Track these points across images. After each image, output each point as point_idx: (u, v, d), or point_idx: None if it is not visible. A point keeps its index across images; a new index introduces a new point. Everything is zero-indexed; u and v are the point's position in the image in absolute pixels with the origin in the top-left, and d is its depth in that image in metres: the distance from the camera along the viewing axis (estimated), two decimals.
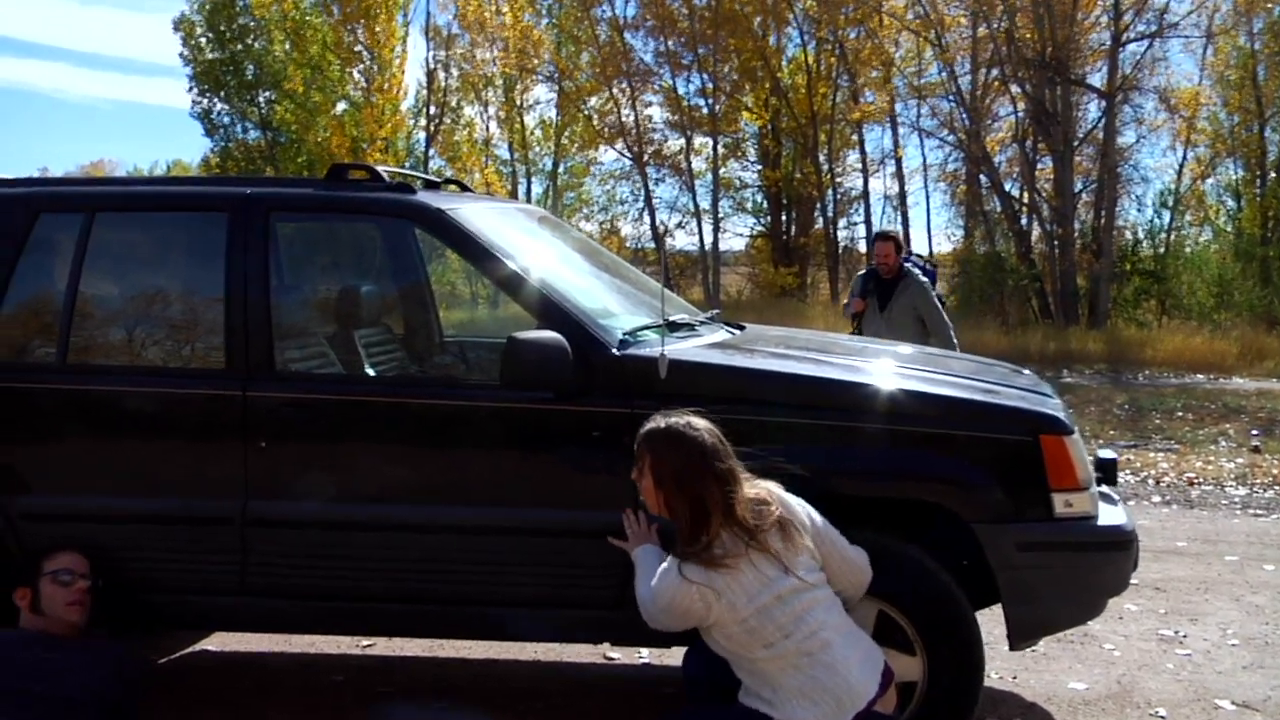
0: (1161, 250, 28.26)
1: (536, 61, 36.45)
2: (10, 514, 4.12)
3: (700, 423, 3.45)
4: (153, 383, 4.21)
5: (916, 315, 8.05)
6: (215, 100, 42.45)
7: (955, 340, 8.02)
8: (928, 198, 44.42)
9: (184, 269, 4.51)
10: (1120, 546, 3.90)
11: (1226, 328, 23.94)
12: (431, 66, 37.20)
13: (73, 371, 4.20)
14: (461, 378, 4.86)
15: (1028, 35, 27.36)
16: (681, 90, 35.20)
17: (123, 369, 4.29)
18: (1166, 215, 30.12)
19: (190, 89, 42.04)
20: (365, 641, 5.37)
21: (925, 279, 8.28)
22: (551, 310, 3.98)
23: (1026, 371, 4.81)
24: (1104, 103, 27.24)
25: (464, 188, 4.97)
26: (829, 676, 3.27)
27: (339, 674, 5.00)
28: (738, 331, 4.68)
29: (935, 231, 39.53)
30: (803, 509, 3.49)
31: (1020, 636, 3.91)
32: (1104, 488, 4.15)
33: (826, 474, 3.76)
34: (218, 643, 5.36)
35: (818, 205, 36.57)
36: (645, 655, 5.21)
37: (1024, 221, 29.45)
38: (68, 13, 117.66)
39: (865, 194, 35.66)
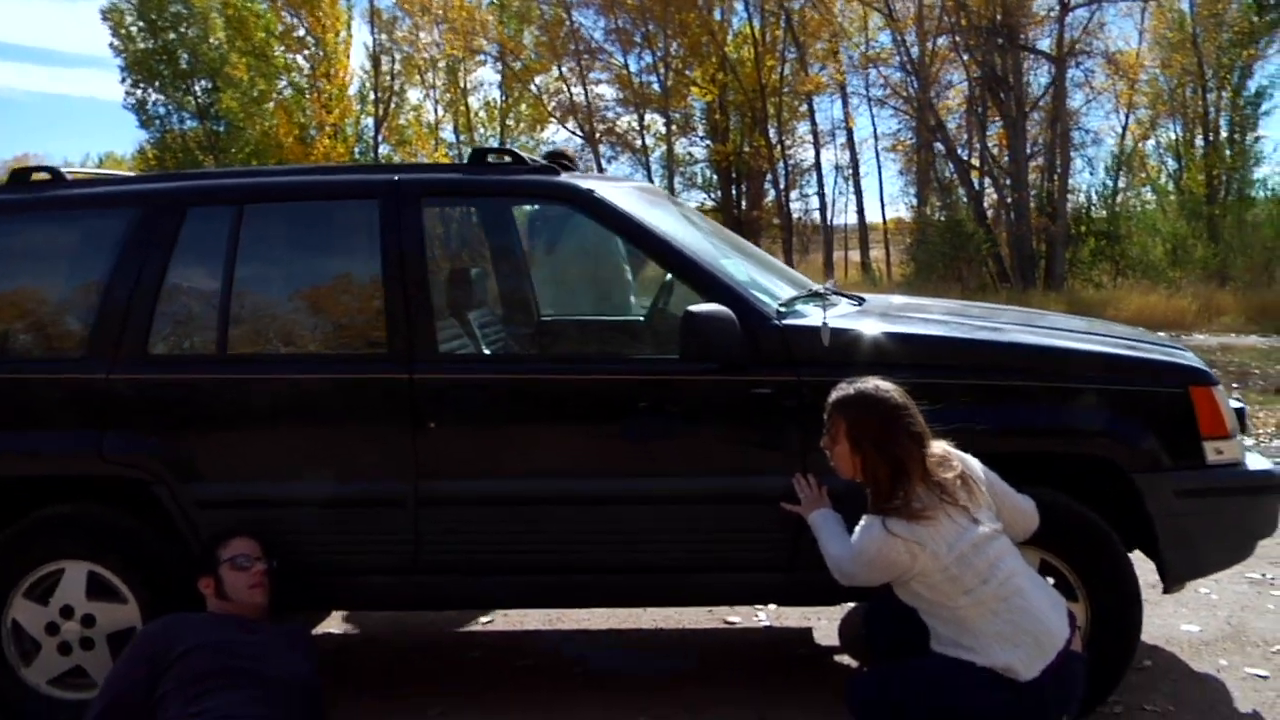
0: (1115, 211, 28.81)
1: (482, 42, 36.36)
2: (183, 502, 4.17)
3: (888, 385, 3.59)
4: (314, 369, 4.27)
5: None
6: (150, 91, 41.70)
7: None
8: (879, 167, 44.90)
9: (336, 257, 4.55)
10: (1270, 490, 4.11)
11: (1181, 286, 24.51)
12: (375, 50, 37.01)
13: (234, 362, 4.26)
14: (623, 353, 4.92)
15: (975, 2, 27.73)
16: (633, 68, 35.31)
17: (284, 358, 4.35)
18: (1116, 177, 30.70)
19: (123, 80, 41.28)
20: (484, 618, 5.48)
21: None
22: (715, 284, 4.10)
23: (1139, 328, 5.01)
24: (1053, 67, 27.74)
25: (570, 164, 5.01)
26: (1027, 620, 3.43)
27: (474, 650, 5.11)
28: (862, 301, 4.81)
29: (888, 201, 39.87)
30: (976, 463, 3.66)
31: (1174, 579, 4.12)
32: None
33: (991, 433, 3.92)
34: (337, 624, 5.44)
35: (768, 178, 36.86)
36: (764, 618, 5.37)
37: (978, 186, 29.88)
38: None
39: (817, 165, 36.20)
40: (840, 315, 4.28)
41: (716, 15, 35.45)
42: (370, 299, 4.31)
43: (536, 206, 5.70)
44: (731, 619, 5.38)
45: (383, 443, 4.16)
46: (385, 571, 4.22)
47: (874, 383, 3.59)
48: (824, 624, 5.25)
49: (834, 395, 3.62)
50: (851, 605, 5.17)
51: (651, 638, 5.25)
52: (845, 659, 4.87)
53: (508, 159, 4.46)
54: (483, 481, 4.13)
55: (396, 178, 4.33)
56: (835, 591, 4.03)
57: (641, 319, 5.37)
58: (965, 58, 29.02)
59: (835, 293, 4.77)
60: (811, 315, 4.16)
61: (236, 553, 4.06)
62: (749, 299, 4.09)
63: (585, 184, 4.34)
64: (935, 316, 4.55)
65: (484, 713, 4.40)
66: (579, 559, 4.17)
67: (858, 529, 3.55)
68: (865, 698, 3.57)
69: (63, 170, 4.60)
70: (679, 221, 4.58)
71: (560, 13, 35.73)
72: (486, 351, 4.95)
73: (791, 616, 5.37)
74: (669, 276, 5.10)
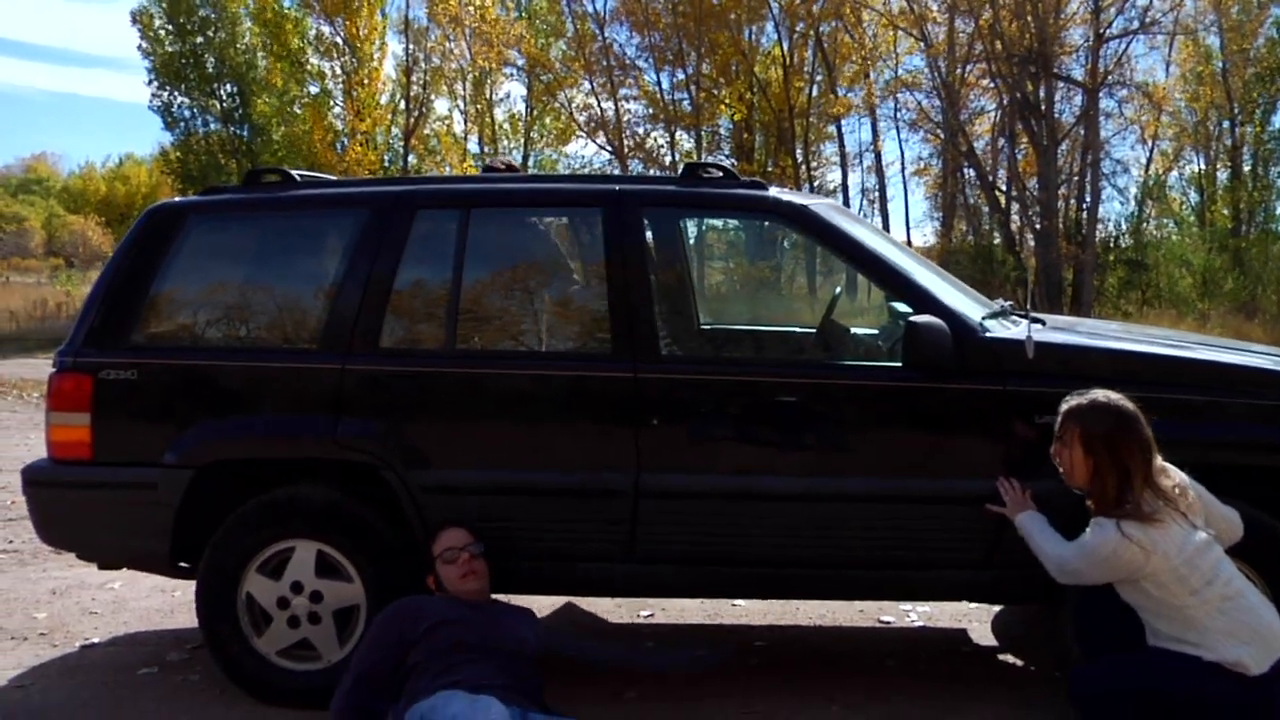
0: (1143, 241, 29.18)
1: (513, 54, 36.67)
2: (411, 487, 4.41)
3: (1119, 395, 3.84)
4: (541, 366, 4.54)
5: None
6: (176, 93, 41.92)
7: None
8: (906, 191, 45.06)
9: (561, 260, 4.81)
10: None
11: (1209, 317, 24.78)
12: (408, 61, 37.31)
13: (462, 356, 4.51)
14: (835, 359, 5.13)
15: (1010, 28, 28.06)
16: (664, 85, 35.66)
17: (510, 354, 4.61)
18: (1142, 207, 31.08)
19: (149, 82, 41.48)
20: (644, 611, 5.71)
21: None
22: (926, 298, 4.36)
23: None
24: (1085, 96, 28.10)
25: (730, 174, 5.15)
26: (1253, 619, 3.67)
27: (648, 640, 5.33)
28: (1042, 321, 5.03)
29: (913, 225, 40.16)
30: (1184, 475, 3.90)
31: None
32: None
33: (1191, 445, 4.15)
34: None
35: None
36: (916, 619, 5.61)
37: (1006, 213, 30.24)
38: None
39: (844, 187, 36.42)
40: (1038, 331, 4.53)
41: (747, 35, 35.78)
42: (594, 301, 4.57)
43: None
44: (885, 618, 5.61)
45: (605, 437, 4.39)
46: (601, 559, 4.45)
47: (1105, 393, 3.84)
48: (977, 626, 5.49)
49: (1068, 404, 3.87)
50: (1000, 608, 5.50)
51: (810, 634, 5.47)
52: (1008, 657, 5.12)
53: (719, 174, 4.70)
54: (701, 476, 4.36)
55: (618, 188, 4.57)
56: (1030, 589, 4.30)
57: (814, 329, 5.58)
58: (997, 84, 29.31)
59: (1013, 311, 5.02)
60: (1012, 329, 4.41)
61: (444, 547, 4.28)
62: (958, 312, 4.34)
63: (797, 199, 4.59)
64: (1119, 334, 4.80)
65: (676, 697, 4.61)
66: (787, 553, 4.40)
67: (1090, 529, 3.79)
68: (1093, 688, 3.78)
69: (292, 172, 4.85)
70: (878, 238, 4.83)
71: (593, 28, 36.05)
72: (706, 353, 5.23)
73: (943, 618, 5.62)
74: (837, 290, 5.37)
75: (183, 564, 4.65)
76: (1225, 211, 32.61)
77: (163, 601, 5.96)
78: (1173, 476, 3.83)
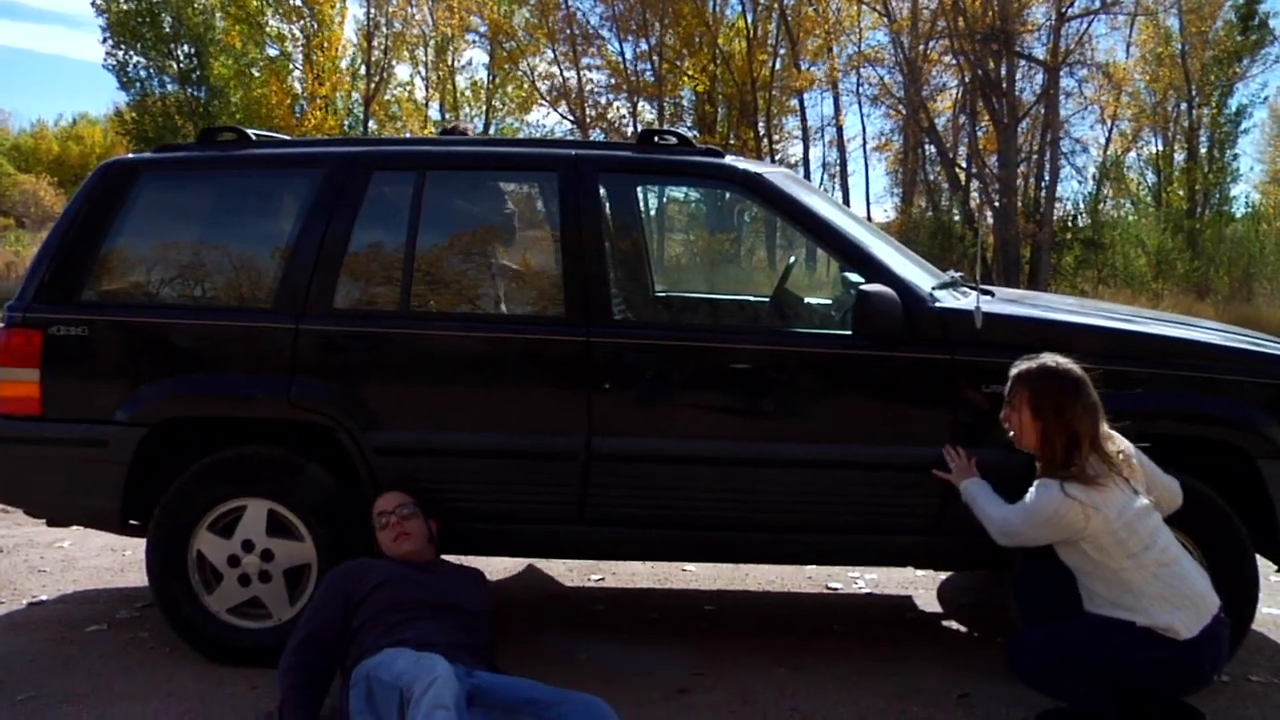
0: (1100, 220, 29.48)
1: (475, 20, 36.49)
2: (364, 448, 4.41)
3: (1067, 360, 3.91)
4: (495, 329, 4.55)
5: None
6: (131, 53, 41.34)
7: None
8: (866, 166, 45.35)
9: (515, 223, 4.81)
10: None
11: (1162, 296, 25.11)
12: (368, 26, 37.06)
13: (418, 318, 4.51)
14: (786, 327, 5.16)
15: (973, 5, 28.18)
16: (627, 55, 35.61)
17: (464, 316, 4.61)
18: (1099, 187, 31.41)
19: (104, 40, 40.93)
20: (595, 575, 5.75)
21: None
22: (877, 267, 4.40)
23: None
24: (1045, 75, 28.30)
25: (686, 142, 5.15)
26: (1186, 585, 3.75)
27: (598, 604, 5.38)
28: (991, 293, 5.10)
29: (874, 200, 40.46)
30: (1128, 443, 3.98)
31: None
32: None
33: (1136, 416, 4.21)
34: None
35: None
36: (863, 585, 5.68)
37: (965, 189, 30.42)
38: None
39: (805, 161, 36.46)
40: (987, 302, 4.59)
41: (711, 7, 35.75)
42: (549, 265, 4.57)
43: None
44: (833, 584, 5.69)
45: (558, 400, 4.41)
46: (554, 521, 4.48)
47: (1054, 358, 3.91)
48: (922, 593, 5.58)
49: (1017, 369, 3.94)
50: (948, 574, 5.59)
51: (759, 599, 5.54)
52: (952, 624, 5.21)
53: (674, 140, 4.72)
54: (652, 440, 4.38)
55: (574, 153, 4.59)
56: (975, 556, 4.38)
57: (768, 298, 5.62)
58: (959, 61, 29.45)
59: (963, 282, 5.08)
60: (961, 300, 4.47)
61: (377, 513, 4.31)
62: (908, 282, 4.39)
63: (752, 167, 4.62)
64: (1069, 307, 4.87)
65: (626, 662, 4.63)
66: (737, 518, 4.44)
67: (1032, 490, 3.86)
68: (1032, 656, 3.87)
69: (247, 131, 4.82)
70: (831, 207, 4.87)
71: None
72: (659, 319, 5.27)
73: (890, 584, 5.69)
74: (792, 260, 5.41)
75: (133, 522, 4.64)
76: (1181, 193, 33.00)
77: (112, 560, 5.96)
78: (1117, 442, 3.91)
